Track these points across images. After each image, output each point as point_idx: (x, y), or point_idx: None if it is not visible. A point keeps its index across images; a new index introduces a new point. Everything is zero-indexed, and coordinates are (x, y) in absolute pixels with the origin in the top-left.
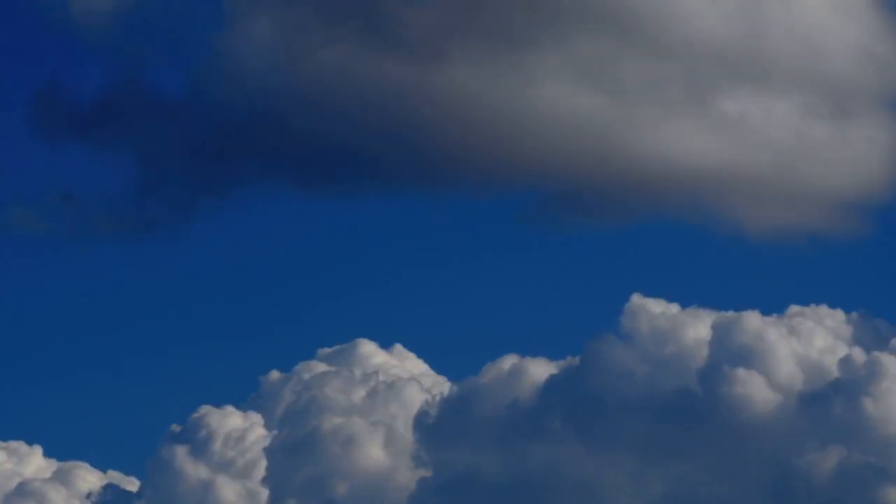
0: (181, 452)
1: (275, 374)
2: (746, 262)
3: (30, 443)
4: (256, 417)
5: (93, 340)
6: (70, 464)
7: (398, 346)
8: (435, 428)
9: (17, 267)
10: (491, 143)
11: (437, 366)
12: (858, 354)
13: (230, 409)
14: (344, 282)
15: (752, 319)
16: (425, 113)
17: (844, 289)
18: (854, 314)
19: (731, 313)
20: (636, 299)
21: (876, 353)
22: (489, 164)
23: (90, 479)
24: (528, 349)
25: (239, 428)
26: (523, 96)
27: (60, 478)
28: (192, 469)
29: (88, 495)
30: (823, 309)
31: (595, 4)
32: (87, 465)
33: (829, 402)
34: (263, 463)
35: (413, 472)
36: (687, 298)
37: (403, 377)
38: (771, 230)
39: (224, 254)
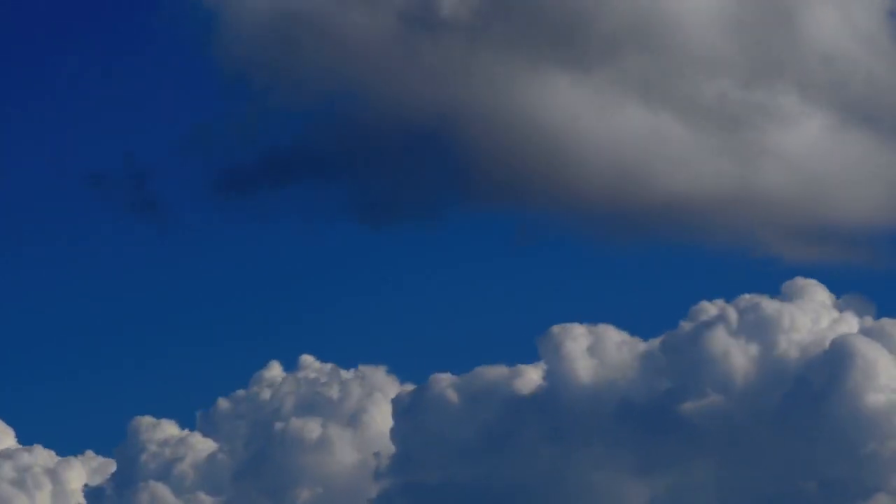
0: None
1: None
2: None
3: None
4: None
5: (88, 340)
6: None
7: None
8: (403, 435)
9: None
10: (523, 161)
11: (405, 375)
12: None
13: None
14: (332, 292)
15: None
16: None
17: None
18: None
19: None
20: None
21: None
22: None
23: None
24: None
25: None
26: (554, 116)
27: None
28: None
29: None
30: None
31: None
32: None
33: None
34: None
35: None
36: None
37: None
38: (801, 257)
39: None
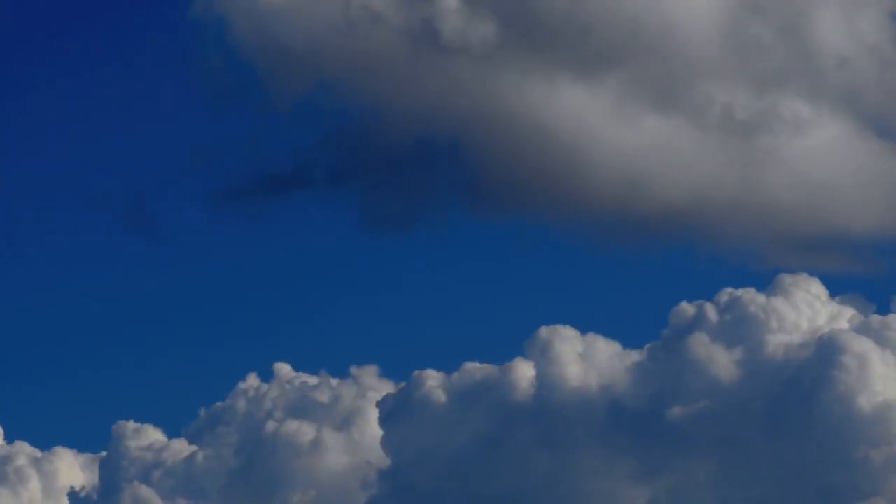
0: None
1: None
2: None
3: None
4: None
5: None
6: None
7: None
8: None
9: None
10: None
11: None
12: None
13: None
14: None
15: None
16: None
17: None
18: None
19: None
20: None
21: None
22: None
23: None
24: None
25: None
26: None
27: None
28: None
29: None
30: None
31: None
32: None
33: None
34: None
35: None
36: None
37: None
38: (807, 266)
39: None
